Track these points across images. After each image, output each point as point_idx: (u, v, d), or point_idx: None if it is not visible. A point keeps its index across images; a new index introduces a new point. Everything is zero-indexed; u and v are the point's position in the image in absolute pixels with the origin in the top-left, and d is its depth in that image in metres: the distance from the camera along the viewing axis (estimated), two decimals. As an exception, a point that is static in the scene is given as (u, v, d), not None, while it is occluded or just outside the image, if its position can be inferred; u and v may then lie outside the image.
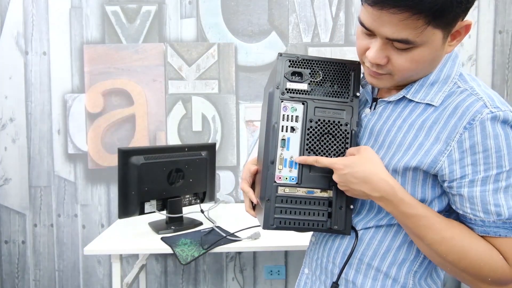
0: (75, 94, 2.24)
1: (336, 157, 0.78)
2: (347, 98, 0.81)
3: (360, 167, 0.72)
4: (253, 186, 0.93)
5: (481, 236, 0.70)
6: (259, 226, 1.57)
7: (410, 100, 0.77)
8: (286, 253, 2.30)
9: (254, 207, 0.92)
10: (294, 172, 0.79)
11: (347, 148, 0.79)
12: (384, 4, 0.64)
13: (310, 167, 0.79)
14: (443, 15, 0.64)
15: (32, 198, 2.28)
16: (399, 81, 0.75)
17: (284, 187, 0.79)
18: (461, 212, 0.72)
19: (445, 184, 0.72)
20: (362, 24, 0.71)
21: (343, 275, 0.83)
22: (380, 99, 0.81)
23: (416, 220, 0.70)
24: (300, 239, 1.55)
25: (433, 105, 0.73)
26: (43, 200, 2.28)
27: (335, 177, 0.75)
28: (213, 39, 2.24)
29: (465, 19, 0.69)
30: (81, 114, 2.24)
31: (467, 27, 0.70)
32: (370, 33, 0.71)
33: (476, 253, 0.68)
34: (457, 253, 0.69)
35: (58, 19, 2.22)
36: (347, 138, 0.79)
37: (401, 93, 0.77)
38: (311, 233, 0.95)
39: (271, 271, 2.30)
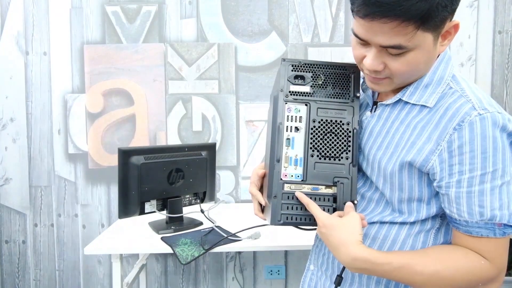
0: (75, 94, 2.24)
1: (340, 154, 0.82)
2: (348, 98, 0.84)
3: (335, 233, 0.74)
4: (261, 190, 0.94)
5: (464, 235, 0.73)
6: (259, 226, 1.58)
7: (406, 102, 0.80)
8: (286, 253, 2.31)
9: (262, 210, 0.93)
10: (299, 170, 0.82)
11: (349, 146, 0.82)
12: (374, 16, 0.68)
13: (315, 164, 0.82)
14: (431, 19, 0.68)
15: (33, 198, 2.28)
16: (399, 84, 0.79)
17: (290, 184, 0.81)
18: (447, 211, 0.75)
19: (435, 184, 0.75)
20: (356, 35, 0.75)
21: None
22: (379, 103, 0.85)
23: (398, 272, 0.73)
24: (300, 239, 1.55)
25: (427, 107, 0.77)
26: (44, 200, 2.28)
27: (317, 228, 0.79)
28: (213, 39, 2.24)
29: (453, 20, 0.73)
30: (81, 114, 2.25)
31: (456, 27, 0.74)
32: (365, 42, 0.74)
33: (462, 272, 0.72)
34: (448, 280, 0.72)
35: (58, 19, 2.22)
36: (349, 136, 0.82)
37: (397, 96, 0.81)
38: (311, 232, 0.96)
39: (271, 271, 2.30)
